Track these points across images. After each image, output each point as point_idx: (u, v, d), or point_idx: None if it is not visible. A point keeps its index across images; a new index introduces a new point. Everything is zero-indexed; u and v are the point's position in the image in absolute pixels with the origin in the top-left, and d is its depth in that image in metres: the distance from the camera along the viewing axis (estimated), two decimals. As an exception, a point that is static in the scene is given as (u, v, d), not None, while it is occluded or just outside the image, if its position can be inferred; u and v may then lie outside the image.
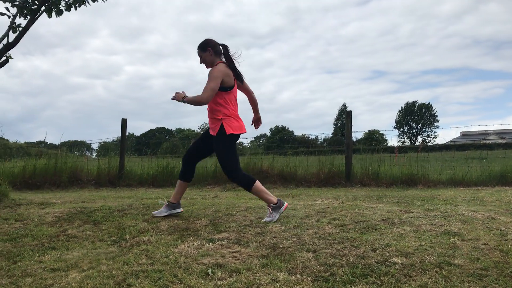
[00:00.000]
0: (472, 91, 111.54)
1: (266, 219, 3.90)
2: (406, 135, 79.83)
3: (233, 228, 3.66)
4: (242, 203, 5.07)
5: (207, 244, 3.20)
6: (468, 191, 6.07)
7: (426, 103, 79.32)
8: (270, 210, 3.93)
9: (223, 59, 4.10)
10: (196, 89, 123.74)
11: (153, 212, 4.36)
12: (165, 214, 4.27)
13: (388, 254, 2.83)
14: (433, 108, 79.43)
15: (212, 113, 4.04)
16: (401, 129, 79.88)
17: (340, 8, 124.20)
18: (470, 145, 23.10)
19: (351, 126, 7.66)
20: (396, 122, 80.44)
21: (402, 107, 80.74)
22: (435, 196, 5.29)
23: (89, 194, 6.84)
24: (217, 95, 3.95)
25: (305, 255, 2.88)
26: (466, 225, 3.50)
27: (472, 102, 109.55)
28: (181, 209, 4.36)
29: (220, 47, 4.10)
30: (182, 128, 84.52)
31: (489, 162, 8.29)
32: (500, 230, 3.33)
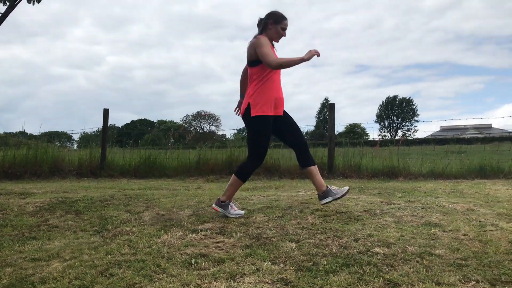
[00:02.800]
0: (453, 86, 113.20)
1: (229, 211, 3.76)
2: (387, 129, 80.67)
3: (216, 219, 3.66)
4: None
5: (191, 235, 3.20)
6: (448, 183, 6.17)
7: (407, 98, 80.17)
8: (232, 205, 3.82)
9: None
10: (180, 80, 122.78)
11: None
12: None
13: (370, 244, 2.87)
14: (413, 103, 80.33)
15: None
16: (382, 123, 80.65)
17: (325, 1, 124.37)
18: (450, 139, 23.45)
19: (333, 119, 7.71)
20: (377, 116, 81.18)
21: (383, 102, 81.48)
22: (416, 188, 5.36)
23: (70, 185, 6.76)
24: None
25: (288, 245, 2.90)
26: (447, 217, 3.56)
27: (453, 97, 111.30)
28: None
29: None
30: (164, 119, 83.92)
31: (468, 156, 8.44)
32: (479, 221, 3.40)
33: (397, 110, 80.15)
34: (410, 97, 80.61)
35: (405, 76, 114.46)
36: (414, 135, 73.50)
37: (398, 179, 7.00)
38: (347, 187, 3.90)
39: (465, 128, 56.69)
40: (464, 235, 3.03)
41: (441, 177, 7.02)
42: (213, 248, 2.89)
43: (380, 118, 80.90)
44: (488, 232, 3.08)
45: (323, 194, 3.85)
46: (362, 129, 56.55)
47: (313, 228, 3.28)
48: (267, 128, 3.72)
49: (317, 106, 79.23)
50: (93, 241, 3.16)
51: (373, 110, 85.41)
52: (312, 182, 3.97)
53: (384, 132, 79.79)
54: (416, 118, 79.50)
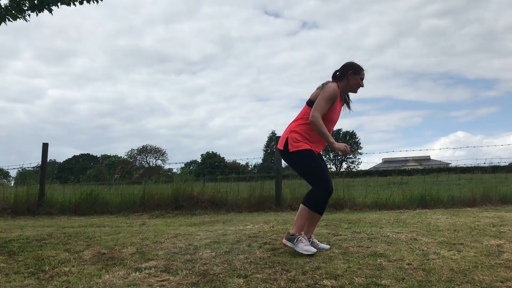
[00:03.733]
0: (394, 120, 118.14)
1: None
2: (332, 161, 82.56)
3: (161, 256, 3.53)
4: (171, 230, 4.93)
5: (134, 273, 3.06)
6: (391, 213, 6.32)
7: (351, 131, 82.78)
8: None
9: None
10: (126, 114, 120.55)
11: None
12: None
13: (318, 276, 2.85)
14: (356, 136, 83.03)
15: None
16: (328, 156, 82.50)
17: (271, 38, 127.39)
18: (392, 170, 24.26)
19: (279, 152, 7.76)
20: (323, 149, 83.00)
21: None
22: (361, 219, 5.45)
23: (4, 223, 6.34)
24: None
25: (236, 280, 2.83)
26: (391, 246, 3.62)
27: (393, 130, 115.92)
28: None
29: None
30: (108, 154, 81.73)
31: (409, 187, 8.72)
32: (422, 250, 3.47)
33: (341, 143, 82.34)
34: (353, 130, 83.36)
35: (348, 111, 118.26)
36: (358, 167, 75.58)
37: (344, 210, 7.10)
38: (314, 250, 3.51)
39: (405, 160, 58.96)
40: (409, 264, 3.08)
41: (385, 208, 7.19)
42: (157, 287, 2.76)
43: (325, 151, 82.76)
44: (431, 261, 3.15)
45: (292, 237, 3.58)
46: (309, 161, 57.33)
47: (261, 263, 3.23)
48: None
49: (265, 139, 79.97)
50: (27, 284, 2.94)
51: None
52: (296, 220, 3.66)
53: (330, 164, 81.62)
54: (359, 151, 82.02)
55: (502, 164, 10.61)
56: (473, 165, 10.01)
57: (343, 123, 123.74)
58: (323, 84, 3.67)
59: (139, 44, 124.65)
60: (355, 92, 3.79)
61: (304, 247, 3.45)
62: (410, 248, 3.56)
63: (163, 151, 79.54)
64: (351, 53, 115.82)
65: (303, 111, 3.77)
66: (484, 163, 9.35)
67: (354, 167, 77.92)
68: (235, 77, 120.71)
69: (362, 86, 3.77)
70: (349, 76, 3.70)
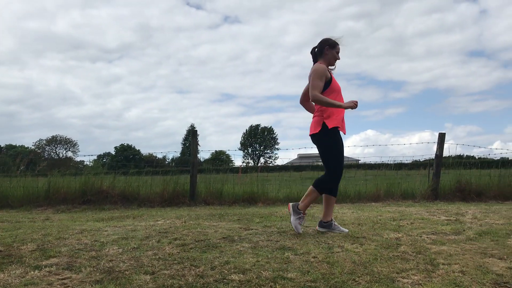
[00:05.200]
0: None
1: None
2: (250, 156, 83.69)
3: (64, 253, 3.35)
4: (77, 226, 4.70)
5: (32, 272, 2.87)
6: (302, 208, 6.51)
7: (269, 127, 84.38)
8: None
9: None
10: (35, 102, 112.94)
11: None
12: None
13: (226, 271, 2.86)
14: (274, 132, 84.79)
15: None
16: (246, 151, 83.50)
17: (193, 29, 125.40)
18: (306, 166, 25.09)
19: (196, 145, 7.72)
20: (241, 143, 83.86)
21: (246, 130, 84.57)
22: (273, 213, 5.56)
23: None
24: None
25: (143, 277, 2.75)
26: (299, 240, 3.73)
27: (309, 128, 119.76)
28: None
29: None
30: (14, 144, 76.25)
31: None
32: (328, 243, 3.61)
33: (259, 138, 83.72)
34: (271, 126, 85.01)
35: (267, 106, 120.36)
36: (275, 162, 77.33)
37: (257, 204, 7.20)
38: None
39: (318, 156, 61.07)
40: (314, 257, 3.19)
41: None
42: (58, 286, 2.62)
43: (244, 145, 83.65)
44: (335, 254, 3.28)
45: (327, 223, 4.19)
46: (227, 156, 57.81)
47: (169, 259, 3.17)
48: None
49: (184, 132, 79.08)
50: None
51: (238, 137, 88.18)
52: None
53: (248, 159, 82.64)
54: (276, 146, 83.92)
55: (405, 162, 11.45)
56: (379, 162, 10.58)
57: (261, 119, 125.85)
58: (311, 70, 4.07)
59: (51, 28, 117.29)
60: (333, 65, 4.18)
61: (339, 228, 4.15)
62: (317, 241, 3.69)
63: (74, 142, 75.92)
64: (271, 50, 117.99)
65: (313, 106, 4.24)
66: (388, 160, 9.94)
67: (271, 162, 79.64)
68: (154, 67, 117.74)
69: (338, 58, 4.18)
70: (326, 51, 4.12)
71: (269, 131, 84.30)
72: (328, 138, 4.05)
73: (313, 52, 4.22)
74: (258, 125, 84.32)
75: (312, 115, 4.28)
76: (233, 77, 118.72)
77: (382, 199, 7.55)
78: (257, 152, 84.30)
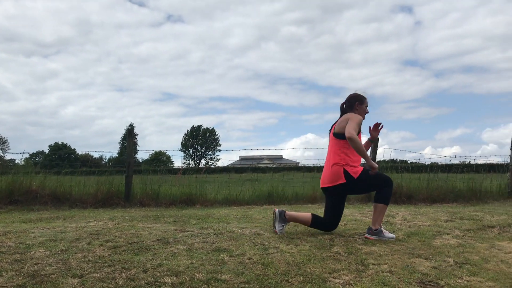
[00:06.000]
0: (252, 120, 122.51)
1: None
2: (191, 157, 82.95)
3: (-16, 257, 3.14)
4: (0, 228, 4.43)
5: None
6: (240, 209, 6.52)
7: (211, 128, 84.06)
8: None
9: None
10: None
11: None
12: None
13: (159, 274, 2.79)
14: (216, 133, 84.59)
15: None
16: (187, 152, 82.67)
17: (134, 27, 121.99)
18: (247, 168, 25.26)
19: (132, 145, 7.53)
20: (182, 144, 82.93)
21: (188, 131, 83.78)
22: (210, 215, 5.52)
23: None
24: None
25: (70, 281, 2.63)
26: (235, 241, 3.72)
27: (252, 130, 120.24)
28: None
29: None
30: None
31: (261, 184, 9.10)
32: (263, 245, 3.63)
33: (201, 140, 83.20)
34: (213, 128, 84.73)
35: (209, 108, 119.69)
36: (216, 163, 77.10)
37: (195, 206, 7.13)
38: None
39: (260, 158, 61.78)
40: (249, 258, 3.19)
41: (235, 204, 7.40)
42: (-26, 292, 2.45)
43: (185, 146, 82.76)
44: (270, 255, 3.30)
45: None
46: (167, 157, 56.98)
47: (100, 261, 3.06)
48: None
49: (122, 131, 76.81)
50: None
51: (179, 138, 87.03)
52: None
53: (189, 160, 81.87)
54: (218, 148, 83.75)
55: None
56: (317, 165, 10.82)
57: (204, 120, 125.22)
58: (346, 116, 4.12)
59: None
60: (364, 119, 4.25)
61: (389, 235, 4.07)
62: (253, 243, 3.70)
63: (4, 139, 71.82)
64: (215, 51, 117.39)
65: (334, 143, 4.18)
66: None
67: (213, 163, 79.37)
68: (92, 64, 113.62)
69: (368, 112, 4.31)
70: (356, 107, 4.24)
71: (211, 132, 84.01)
72: (362, 180, 4.09)
73: (342, 107, 4.34)
74: (200, 126, 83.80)
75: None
76: (175, 77, 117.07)
77: (318, 201, 7.70)
78: (198, 154, 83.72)
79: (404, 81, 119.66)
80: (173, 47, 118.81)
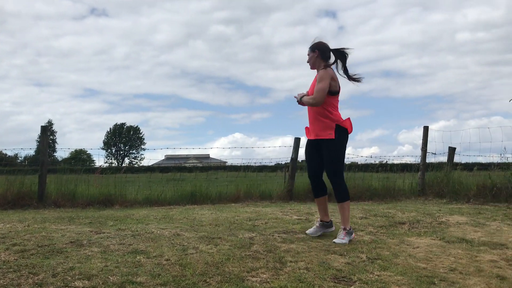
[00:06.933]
0: (179, 118, 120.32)
1: (337, 240, 3.91)
2: (114, 156, 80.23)
3: None
4: None
5: None
6: (161, 210, 6.39)
7: (135, 126, 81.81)
8: (344, 233, 3.97)
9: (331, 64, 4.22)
10: None
11: (307, 231, 4.26)
12: (319, 233, 4.20)
13: (70, 278, 2.67)
14: (141, 131, 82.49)
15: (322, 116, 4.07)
16: (109, 150, 79.82)
17: (55, 19, 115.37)
18: (173, 167, 24.88)
19: (47, 143, 7.12)
20: (104, 143, 79.97)
21: (110, 128, 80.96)
22: (129, 216, 5.36)
23: None
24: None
25: (-33, 290, 2.43)
26: (153, 243, 3.63)
27: (178, 128, 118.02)
28: (333, 228, 4.31)
29: (332, 53, 4.22)
30: None
31: (185, 183, 8.99)
32: (183, 245, 3.58)
33: (124, 138, 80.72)
34: (137, 126, 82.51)
35: (134, 105, 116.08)
36: (141, 163, 75.18)
37: (114, 207, 6.89)
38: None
39: (187, 158, 61.10)
40: (167, 260, 3.13)
41: (156, 204, 7.24)
42: None
43: (107, 145, 79.88)
44: (189, 256, 3.26)
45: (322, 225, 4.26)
46: (88, 155, 54.71)
47: (4, 267, 2.86)
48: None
49: (40, 128, 72.58)
50: None
51: (101, 136, 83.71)
52: (321, 210, 4.34)
53: (112, 159, 79.10)
54: (143, 147, 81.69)
55: (269, 164, 12.15)
56: (245, 164, 10.90)
57: (128, 117, 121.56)
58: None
59: None
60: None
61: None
62: (172, 243, 3.63)
63: None
64: (140, 47, 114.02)
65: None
66: (254, 163, 10.40)
67: (137, 162, 77.31)
68: (7, 56, 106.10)
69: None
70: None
71: (135, 130, 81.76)
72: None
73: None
74: (123, 124, 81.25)
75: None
76: (99, 72, 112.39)
77: (241, 200, 7.75)
78: (121, 152, 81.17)
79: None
80: (96, 41, 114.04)
